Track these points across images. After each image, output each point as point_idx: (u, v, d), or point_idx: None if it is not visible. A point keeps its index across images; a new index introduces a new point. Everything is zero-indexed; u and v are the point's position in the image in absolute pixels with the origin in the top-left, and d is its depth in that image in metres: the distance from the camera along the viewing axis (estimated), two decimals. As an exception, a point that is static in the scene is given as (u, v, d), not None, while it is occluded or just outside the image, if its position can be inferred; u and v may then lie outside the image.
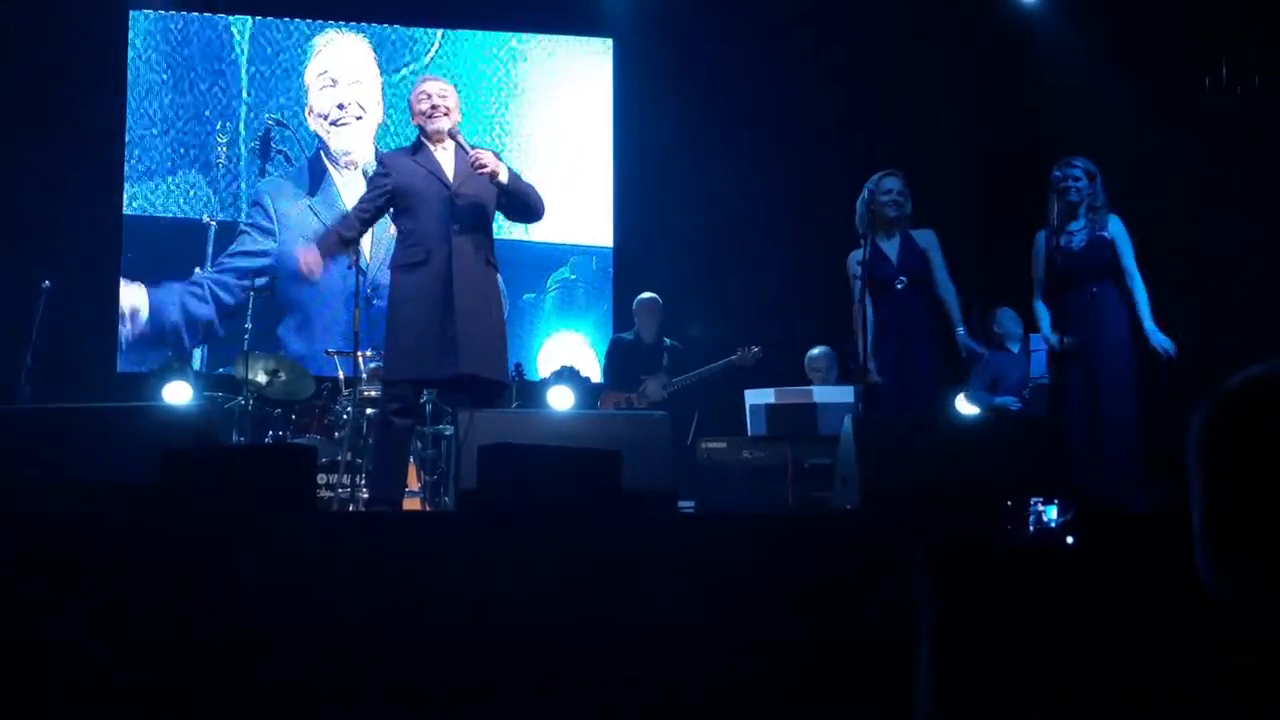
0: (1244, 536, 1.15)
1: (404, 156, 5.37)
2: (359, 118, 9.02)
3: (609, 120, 9.39)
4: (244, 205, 8.90)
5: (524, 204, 5.37)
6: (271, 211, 8.89)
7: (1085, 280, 5.66)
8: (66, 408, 4.99)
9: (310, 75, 9.09)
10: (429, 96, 5.31)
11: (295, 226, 8.82)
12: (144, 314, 8.63)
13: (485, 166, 5.14)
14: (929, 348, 5.95)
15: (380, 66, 9.18)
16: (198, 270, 8.65)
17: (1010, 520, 3.57)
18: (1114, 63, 8.28)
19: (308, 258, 5.29)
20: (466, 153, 5.19)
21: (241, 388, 7.14)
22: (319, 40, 9.15)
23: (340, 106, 9.06)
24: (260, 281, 8.00)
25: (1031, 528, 3.55)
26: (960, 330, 5.97)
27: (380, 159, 5.61)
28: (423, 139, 5.34)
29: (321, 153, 9.02)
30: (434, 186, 5.21)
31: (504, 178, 5.20)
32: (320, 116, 9.05)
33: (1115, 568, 1.87)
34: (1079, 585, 1.83)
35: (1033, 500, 3.59)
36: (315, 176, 8.98)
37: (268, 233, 8.86)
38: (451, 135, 5.27)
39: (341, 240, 5.38)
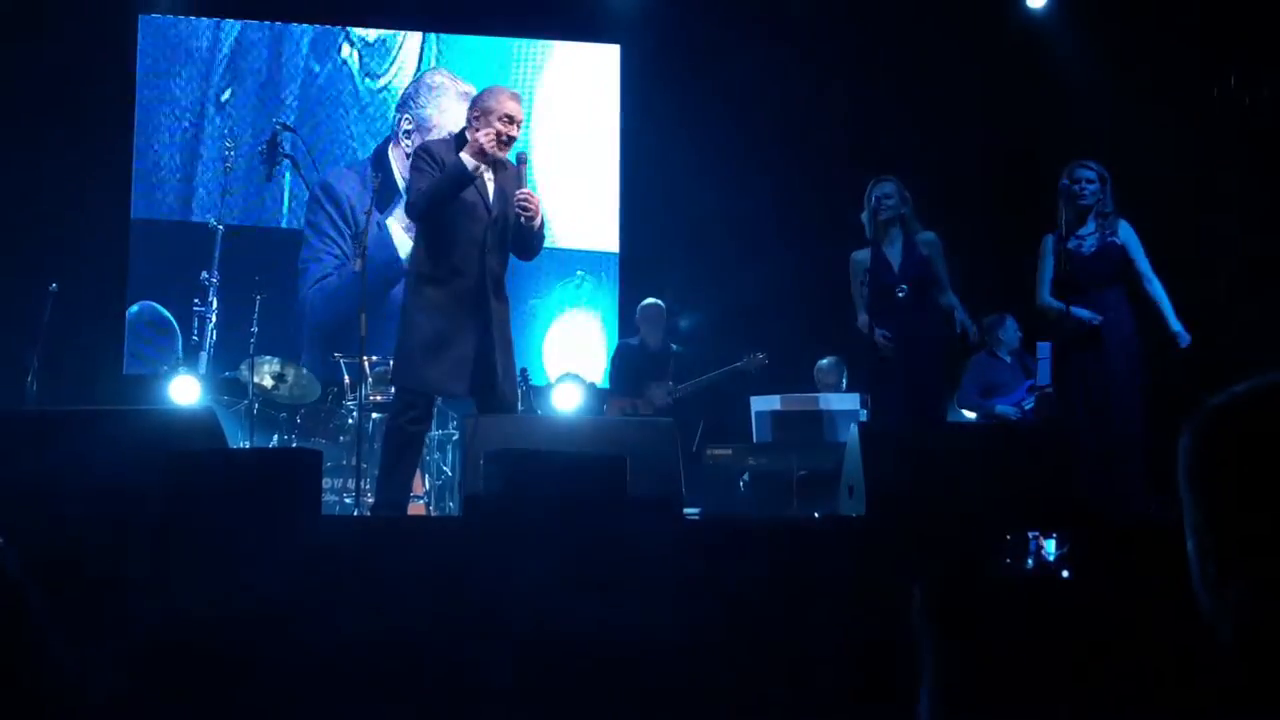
0: (1236, 557, 1.14)
1: (450, 156, 5.06)
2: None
3: (616, 126, 9.39)
4: (250, 209, 8.90)
5: (533, 246, 5.20)
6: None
7: (1095, 285, 5.64)
8: (71, 410, 4.98)
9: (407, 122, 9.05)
10: (510, 123, 5.02)
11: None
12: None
13: (529, 210, 4.99)
14: (932, 353, 5.93)
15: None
16: (204, 274, 8.63)
17: (1009, 553, 3.55)
18: (1123, 68, 8.28)
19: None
20: (520, 184, 5.03)
21: (247, 391, 7.13)
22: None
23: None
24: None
25: (1030, 561, 3.54)
26: (960, 316, 5.94)
27: (429, 150, 5.14)
28: (468, 149, 5.02)
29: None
30: (473, 203, 5.03)
31: (538, 223, 5.06)
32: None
33: (1112, 599, 1.87)
34: (1076, 618, 1.83)
35: (1031, 533, 3.57)
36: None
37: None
38: (520, 161, 5.07)
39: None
